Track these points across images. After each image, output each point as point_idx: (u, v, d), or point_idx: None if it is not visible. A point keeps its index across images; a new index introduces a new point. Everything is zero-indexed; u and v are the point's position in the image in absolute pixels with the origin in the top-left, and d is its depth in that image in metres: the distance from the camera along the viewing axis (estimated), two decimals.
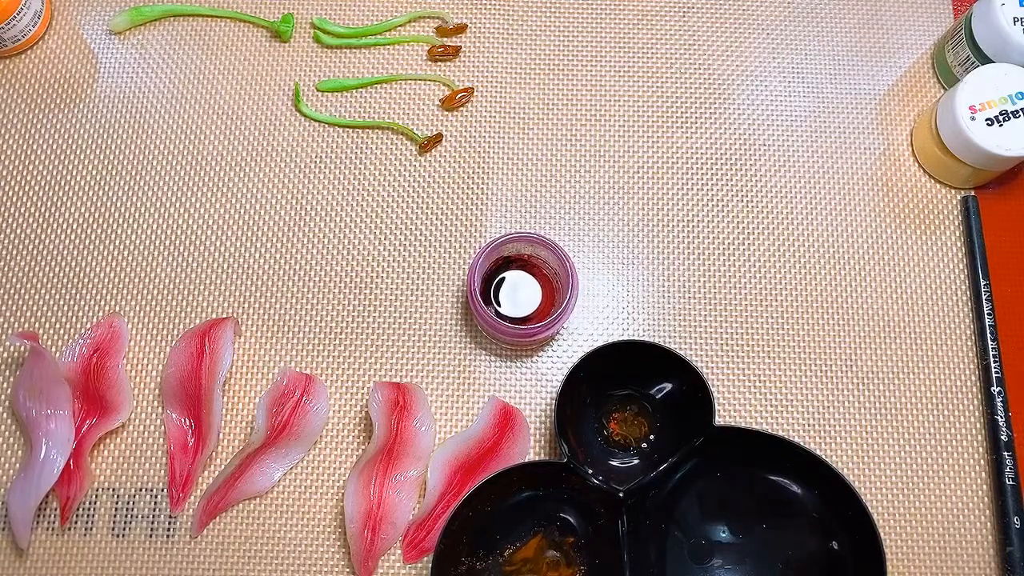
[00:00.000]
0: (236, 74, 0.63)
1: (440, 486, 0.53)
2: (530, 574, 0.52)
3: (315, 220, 0.60)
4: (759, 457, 0.52)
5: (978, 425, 0.57)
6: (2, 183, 0.60)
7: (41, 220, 0.60)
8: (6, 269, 0.59)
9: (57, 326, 0.58)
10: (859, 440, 0.57)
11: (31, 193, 0.60)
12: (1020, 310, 0.59)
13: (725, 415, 0.57)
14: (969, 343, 0.58)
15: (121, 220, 0.60)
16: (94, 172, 0.61)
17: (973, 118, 0.56)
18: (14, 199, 0.60)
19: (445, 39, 0.64)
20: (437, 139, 0.61)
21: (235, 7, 0.64)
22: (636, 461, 0.54)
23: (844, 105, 0.63)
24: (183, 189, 0.61)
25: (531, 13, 0.65)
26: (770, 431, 0.53)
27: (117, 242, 0.59)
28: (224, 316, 0.58)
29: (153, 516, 0.54)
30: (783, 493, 0.52)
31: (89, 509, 0.54)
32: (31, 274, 0.59)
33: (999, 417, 0.56)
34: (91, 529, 0.54)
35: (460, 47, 0.64)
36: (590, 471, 0.51)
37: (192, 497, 0.54)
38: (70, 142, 0.61)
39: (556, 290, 0.55)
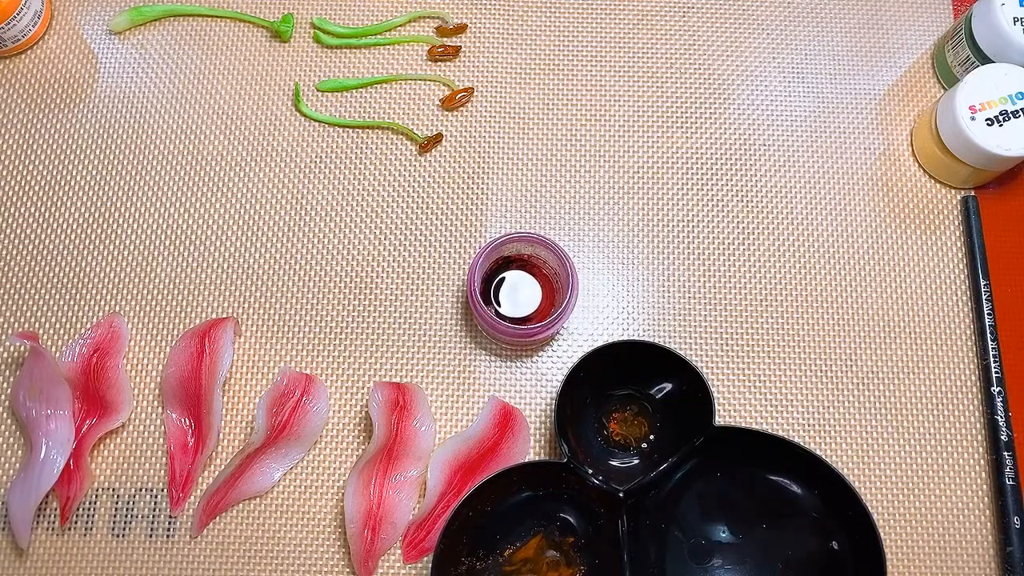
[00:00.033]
0: (236, 74, 0.63)
1: (440, 486, 0.53)
2: (530, 574, 0.52)
3: (315, 220, 0.60)
4: (759, 457, 0.52)
5: (978, 425, 0.57)
6: (2, 183, 0.60)
7: (41, 220, 0.60)
8: (6, 269, 0.59)
9: (57, 326, 0.58)
10: (859, 440, 0.57)
11: (31, 193, 0.60)
12: (1020, 310, 0.59)
13: (725, 415, 0.57)
14: (969, 343, 0.58)
15: (121, 220, 0.60)
16: (94, 172, 0.61)
17: (973, 118, 0.56)
18: (14, 199, 0.60)
19: (445, 39, 0.64)
20: (437, 139, 0.61)
21: (235, 7, 0.64)
22: (636, 461, 0.54)
23: (844, 105, 0.63)
24: (183, 189, 0.61)
25: (531, 13, 0.65)
26: (770, 431, 0.53)
27: (117, 242, 0.59)
28: (224, 316, 0.58)
29: (153, 516, 0.54)
30: (783, 493, 0.52)
31: (89, 509, 0.54)
32: (31, 274, 0.59)
33: (999, 417, 0.56)
34: (91, 529, 0.54)
35: (460, 47, 0.64)
36: (590, 471, 0.51)
37: (192, 497, 0.54)
38: (70, 142, 0.61)
39: (556, 290, 0.55)
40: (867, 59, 0.64)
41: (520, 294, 0.56)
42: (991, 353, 0.57)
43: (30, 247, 0.59)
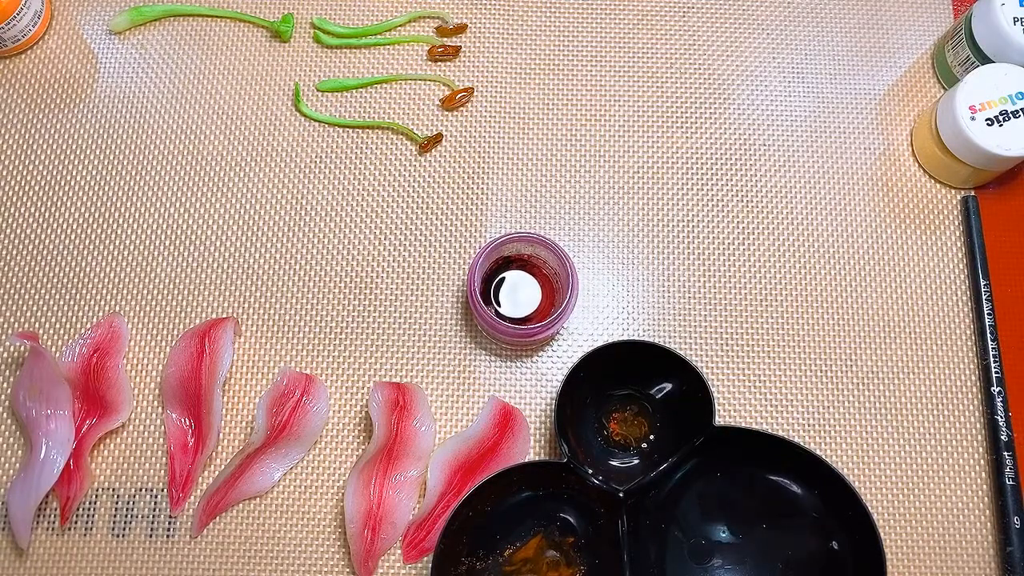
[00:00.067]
0: (236, 74, 0.63)
1: (440, 486, 0.53)
2: (530, 574, 0.52)
3: (315, 220, 0.60)
4: (759, 457, 0.52)
5: (978, 425, 0.57)
6: (2, 183, 0.60)
7: (41, 220, 0.60)
8: (6, 269, 0.59)
9: (57, 326, 0.58)
10: (859, 440, 0.57)
11: (31, 193, 0.60)
12: (1020, 310, 0.59)
13: (725, 415, 0.57)
14: (969, 343, 0.58)
15: (121, 220, 0.60)
16: (94, 172, 0.61)
17: (973, 118, 0.56)
18: (14, 199, 0.60)
19: (445, 39, 0.64)
20: (437, 139, 0.61)
21: (235, 7, 0.64)
22: (636, 461, 0.54)
23: (844, 105, 0.63)
24: (183, 189, 0.61)
25: (531, 13, 0.65)
26: (770, 431, 0.53)
27: (117, 242, 0.59)
28: (224, 316, 0.58)
29: (153, 516, 0.54)
30: (783, 493, 0.52)
31: (89, 509, 0.54)
32: (31, 274, 0.59)
33: (999, 417, 0.56)
34: (91, 529, 0.54)
35: (460, 47, 0.64)
36: (590, 471, 0.51)
37: (192, 497, 0.54)
38: (70, 142, 0.61)
39: (556, 290, 0.55)
40: (867, 59, 0.64)
41: (520, 294, 0.56)
42: (991, 353, 0.57)
43: (30, 247, 0.59)
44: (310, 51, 0.64)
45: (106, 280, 0.59)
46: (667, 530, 0.52)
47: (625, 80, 0.64)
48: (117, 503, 0.54)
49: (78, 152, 0.61)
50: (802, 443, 0.53)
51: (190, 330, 0.56)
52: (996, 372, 0.57)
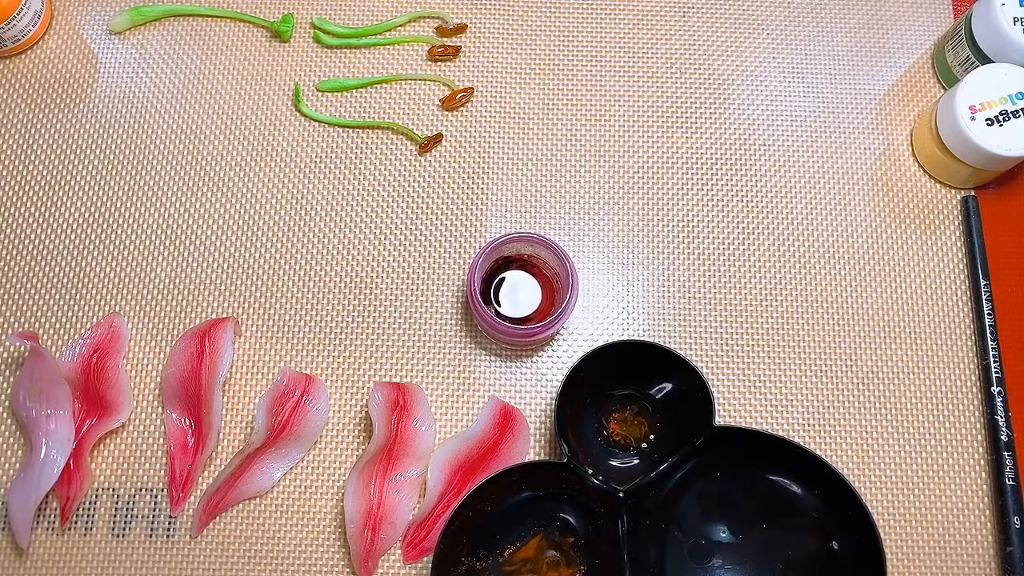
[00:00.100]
0: (236, 74, 0.63)
1: (440, 486, 0.53)
2: (530, 574, 0.52)
3: (315, 220, 0.60)
4: (759, 457, 0.52)
5: (978, 425, 0.57)
6: (2, 183, 0.60)
7: (41, 220, 0.60)
8: (6, 269, 0.59)
9: (57, 326, 0.58)
10: (859, 440, 0.57)
11: (31, 193, 0.60)
12: (1020, 310, 0.59)
13: (725, 415, 0.57)
14: (969, 343, 0.58)
15: (121, 220, 0.60)
16: (94, 172, 0.61)
17: (973, 118, 0.56)
18: (14, 199, 0.60)
19: (445, 39, 0.64)
20: (437, 139, 0.61)
21: (235, 7, 0.64)
22: (636, 461, 0.54)
23: (844, 105, 0.63)
24: (183, 189, 0.61)
25: (531, 13, 0.65)
26: (770, 431, 0.53)
27: (117, 242, 0.59)
28: (224, 316, 0.58)
29: (153, 516, 0.54)
30: (783, 493, 0.52)
31: (89, 509, 0.54)
32: (31, 274, 0.59)
33: (999, 417, 0.56)
34: (91, 529, 0.54)
35: (460, 47, 0.64)
36: (590, 471, 0.51)
37: (192, 497, 0.54)
38: (70, 142, 0.61)
39: (556, 290, 0.55)
40: (867, 59, 0.64)
41: (520, 294, 0.56)
42: (991, 353, 0.57)
43: (30, 247, 0.59)
44: (310, 51, 0.64)
45: (106, 280, 0.59)
46: (667, 530, 0.52)
47: (625, 80, 0.64)
48: (117, 503, 0.54)
49: (78, 152, 0.61)
50: (802, 443, 0.53)
51: (190, 330, 0.56)
52: (996, 372, 0.57)
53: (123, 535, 0.54)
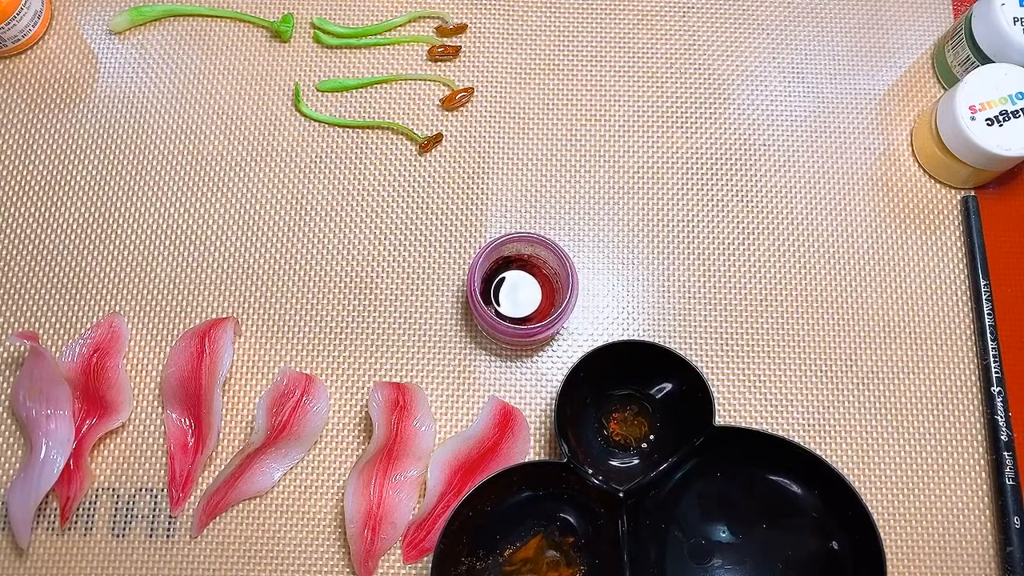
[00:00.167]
0: (236, 74, 0.63)
1: (440, 486, 0.53)
2: (530, 574, 0.52)
3: (315, 220, 0.60)
4: (759, 457, 0.52)
5: (978, 425, 0.57)
6: (2, 183, 0.60)
7: (41, 220, 0.60)
8: (6, 269, 0.59)
9: (57, 326, 0.58)
10: (859, 440, 0.57)
11: (31, 193, 0.60)
12: (1020, 310, 0.59)
13: (725, 415, 0.57)
14: (969, 343, 0.58)
15: (121, 220, 0.60)
16: (94, 172, 0.61)
17: (973, 118, 0.56)
18: (14, 199, 0.60)
19: (445, 39, 0.64)
20: (437, 139, 0.61)
21: (235, 7, 0.64)
22: (636, 461, 0.54)
23: (844, 105, 0.63)
24: (183, 189, 0.61)
25: (531, 13, 0.65)
26: (770, 431, 0.53)
27: (117, 242, 0.59)
28: (224, 316, 0.58)
29: (153, 516, 0.54)
30: (783, 493, 0.52)
31: (89, 509, 0.54)
32: (31, 274, 0.59)
33: (999, 417, 0.56)
34: (91, 529, 0.54)
35: (460, 47, 0.64)
36: (590, 471, 0.51)
37: (192, 497, 0.54)
38: (70, 142, 0.61)
39: (556, 290, 0.55)
40: (867, 59, 0.64)
41: (520, 294, 0.56)
42: (991, 353, 0.57)
43: (30, 247, 0.59)
44: (310, 51, 0.64)
45: (106, 280, 0.59)
46: (667, 530, 0.52)
47: (625, 80, 0.64)
48: (117, 503, 0.54)
49: (78, 152, 0.61)
50: (802, 443, 0.53)
51: (190, 330, 0.56)
52: (996, 372, 0.57)
53: (123, 535, 0.54)
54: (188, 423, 0.55)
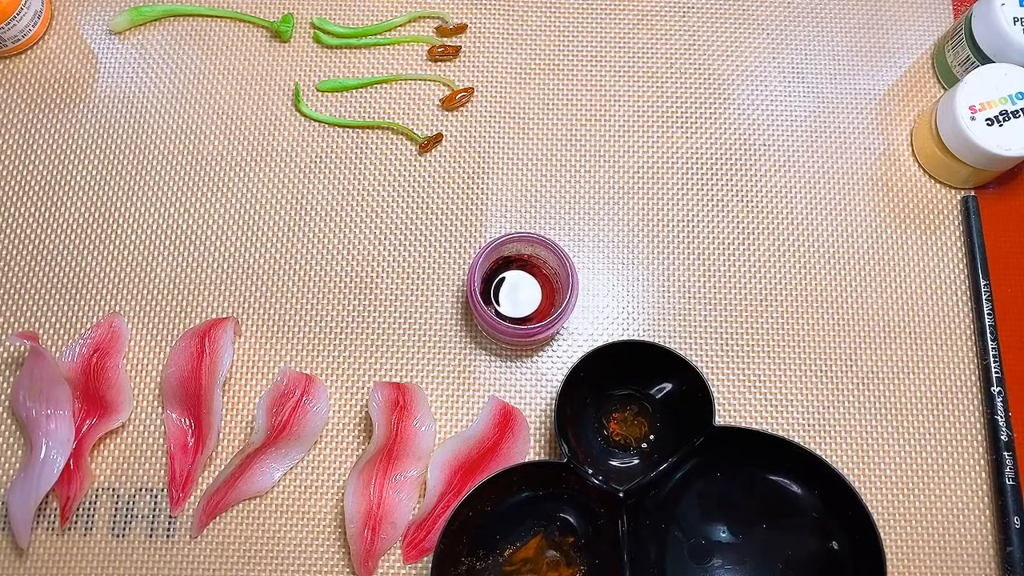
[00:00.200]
0: (236, 74, 0.63)
1: (440, 486, 0.53)
2: (530, 574, 0.52)
3: (315, 220, 0.60)
4: (759, 457, 0.52)
5: (978, 425, 0.57)
6: (2, 183, 0.60)
7: (41, 220, 0.60)
8: (6, 269, 0.59)
9: (57, 326, 0.58)
10: (859, 440, 0.57)
11: (31, 193, 0.60)
12: (1020, 310, 0.59)
13: (725, 415, 0.57)
14: (969, 343, 0.58)
15: (121, 220, 0.60)
16: (94, 172, 0.61)
17: (973, 118, 0.56)
18: (14, 199, 0.60)
19: (445, 39, 0.64)
20: (437, 139, 0.61)
21: (235, 7, 0.64)
22: (636, 461, 0.54)
23: (844, 105, 0.63)
24: (183, 189, 0.61)
25: (531, 13, 0.65)
26: (770, 431, 0.53)
27: (117, 242, 0.59)
28: (224, 316, 0.58)
29: (153, 516, 0.54)
30: (783, 493, 0.52)
31: (89, 509, 0.54)
32: (31, 274, 0.59)
33: (999, 417, 0.56)
34: (91, 529, 0.54)
35: (460, 47, 0.64)
36: (590, 471, 0.51)
37: (192, 497, 0.54)
38: (70, 142, 0.61)
39: (556, 290, 0.55)
40: (867, 59, 0.64)
41: (520, 294, 0.56)
42: (991, 353, 0.57)
43: (30, 247, 0.59)
44: (310, 51, 0.64)
45: (106, 280, 0.59)
46: (667, 530, 0.52)
47: (625, 80, 0.64)
48: (117, 503, 0.54)
49: (78, 152, 0.61)
50: (802, 443, 0.53)
51: (190, 330, 0.56)
52: (996, 372, 0.57)
53: (123, 535, 0.54)
54: (188, 423, 0.55)
